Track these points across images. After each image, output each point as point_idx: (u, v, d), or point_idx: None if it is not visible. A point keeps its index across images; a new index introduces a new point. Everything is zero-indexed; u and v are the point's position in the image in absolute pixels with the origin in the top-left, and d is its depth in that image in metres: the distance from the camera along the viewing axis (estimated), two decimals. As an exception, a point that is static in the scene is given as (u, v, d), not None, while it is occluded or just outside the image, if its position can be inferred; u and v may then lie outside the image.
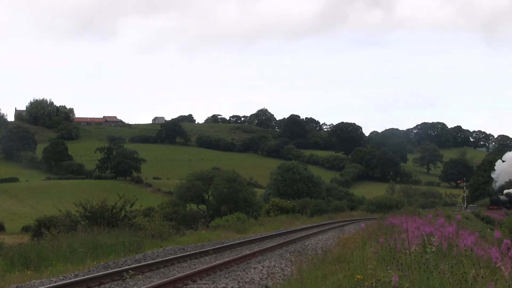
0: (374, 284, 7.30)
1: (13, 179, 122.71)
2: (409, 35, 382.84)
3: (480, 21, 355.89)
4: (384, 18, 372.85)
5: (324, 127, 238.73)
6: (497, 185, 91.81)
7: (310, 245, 20.62)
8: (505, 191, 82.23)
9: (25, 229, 61.11)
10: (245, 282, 11.70)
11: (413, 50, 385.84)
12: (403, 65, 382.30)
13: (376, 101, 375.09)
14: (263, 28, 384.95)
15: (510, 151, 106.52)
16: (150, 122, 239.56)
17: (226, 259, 15.43)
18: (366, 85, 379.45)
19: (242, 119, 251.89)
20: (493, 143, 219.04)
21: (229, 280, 11.85)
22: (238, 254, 17.46)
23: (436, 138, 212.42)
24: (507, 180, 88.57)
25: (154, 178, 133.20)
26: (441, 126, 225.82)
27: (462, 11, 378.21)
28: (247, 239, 23.47)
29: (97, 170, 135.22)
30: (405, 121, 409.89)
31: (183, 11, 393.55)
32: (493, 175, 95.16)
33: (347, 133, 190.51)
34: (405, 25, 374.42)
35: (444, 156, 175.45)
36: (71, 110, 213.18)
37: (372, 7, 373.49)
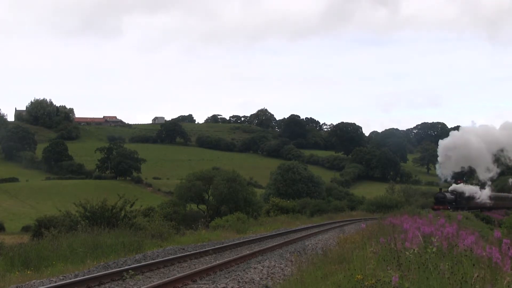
0: (374, 284, 7.30)
1: (13, 179, 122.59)
2: (412, 34, 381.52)
3: (484, 19, 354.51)
4: (389, 17, 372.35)
5: (324, 127, 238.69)
6: (443, 177, 66.18)
7: (310, 245, 20.61)
8: (450, 188, 62.43)
9: (25, 229, 61.09)
10: (245, 282, 11.71)
11: (415, 49, 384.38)
12: (405, 64, 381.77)
13: (377, 100, 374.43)
14: (265, 28, 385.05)
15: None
16: (150, 122, 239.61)
17: (226, 259, 15.42)
18: (367, 84, 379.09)
19: (242, 119, 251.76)
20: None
21: (229, 280, 11.84)
22: (238, 254, 17.45)
23: (436, 138, 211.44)
24: (456, 170, 65.04)
25: (154, 178, 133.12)
26: (441, 126, 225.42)
27: (466, 10, 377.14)
28: (247, 239, 23.45)
29: (97, 170, 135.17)
30: (405, 121, 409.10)
31: (184, 10, 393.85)
32: (438, 164, 67.00)
33: (347, 133, 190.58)
34: (409, 24, 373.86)
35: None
36: (71, 110, 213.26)
37: (377, 6, 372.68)
